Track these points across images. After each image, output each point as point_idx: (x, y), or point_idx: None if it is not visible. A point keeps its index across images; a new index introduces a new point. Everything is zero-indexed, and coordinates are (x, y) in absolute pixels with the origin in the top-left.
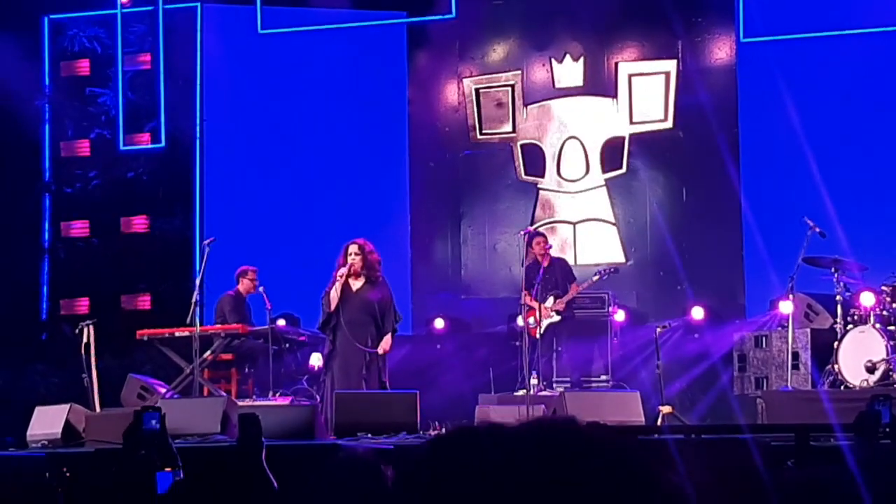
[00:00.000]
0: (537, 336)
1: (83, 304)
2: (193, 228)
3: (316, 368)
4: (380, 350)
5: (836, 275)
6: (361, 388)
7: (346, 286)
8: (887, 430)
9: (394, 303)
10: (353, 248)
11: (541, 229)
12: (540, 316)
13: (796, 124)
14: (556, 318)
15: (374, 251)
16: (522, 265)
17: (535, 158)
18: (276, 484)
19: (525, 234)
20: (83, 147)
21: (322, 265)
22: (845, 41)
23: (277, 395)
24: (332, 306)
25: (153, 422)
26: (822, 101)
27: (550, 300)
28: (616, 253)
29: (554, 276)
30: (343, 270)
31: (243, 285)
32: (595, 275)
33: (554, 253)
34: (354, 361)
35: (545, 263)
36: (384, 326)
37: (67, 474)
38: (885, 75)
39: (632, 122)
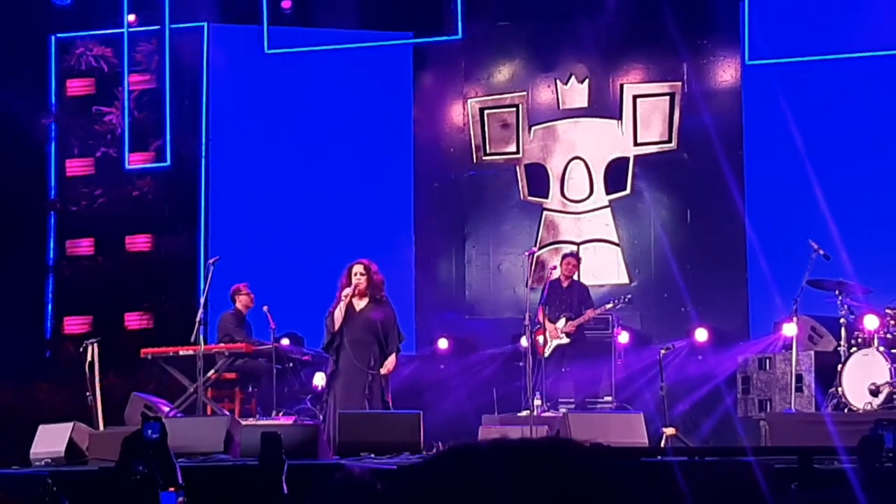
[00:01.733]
0: (545, 355)
1: (87, 323)
2: (198, 247)
3: (319, 388)
4: (384, 370)
5: (840, 297)
6: (364, 408)
7: (349, 306)
8: (890, 454)
9: (397, 323)
10: (357, 269)
11: (569, 251)
12: (548, 336)
13: (801, 147)
14: (566, 339)
15: (378, 271)
16: (527, 285)
17: (539, 179)
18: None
19: (530, 255)
20: (88, 165)
21: (326, 285)
22: (851, 64)
23: (280, 414)
24: (337, 326)
25: (151, 432)
26: (827, 123)
27: (562, 321)
28: (620, 274)
29: (571, 298)
30: (348, 291)
31: (240, 302)
32: (609, 302)
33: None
34: (357, 381)
35: (565, 284)
36: (388, 346)
37: (54, 488)
38: (891, 99)
39: (636, 144)
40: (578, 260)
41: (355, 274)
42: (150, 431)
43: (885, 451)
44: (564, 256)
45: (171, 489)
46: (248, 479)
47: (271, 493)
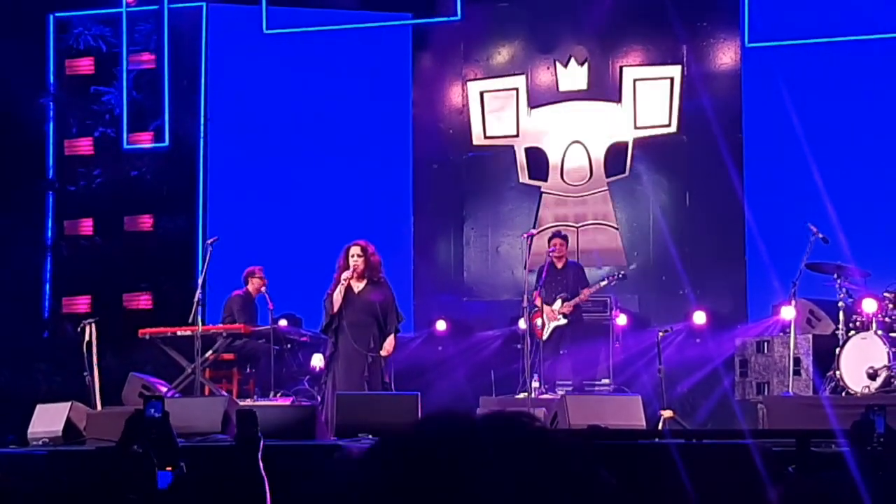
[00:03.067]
0: (543, 338)
1: (85, 303)
2: (196, 228)
3: (317, 369)
4: (383, 352)
5: (838, 281)
6: (363, 390)
7: (348, 288)
8: (882, 439)
9: (396, 304)
10: (355, 250)
11: (554, 231)
12: (547, 318)
13: (800, 130)
14: (563, 321)
15: (376, 253)
16: (525, 268)
17: (538, 162)
18: (266, 481)
19: (528, 238)
20: (87, 145)
21: (324, 266)
22: (851, 47)
23: (278, 395)
24: (335, 308)
25: (154, 411)
26: (826, 106)
27: (558, 303)
28: (619, 257)
29: (566, 279)
30: (347, 274)
31: (252, 285)
32: (603, 280)
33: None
34: (357, 363)
35: (559, 265)
36: (387, 328)
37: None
38: (890, 82)
39: (636, 127)
40: (564, 238)
41: (352, 255)
42: (152, 410)
43: (876, 436)
44: (550, 239)
45: (168, 468)
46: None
47: (248, 470)
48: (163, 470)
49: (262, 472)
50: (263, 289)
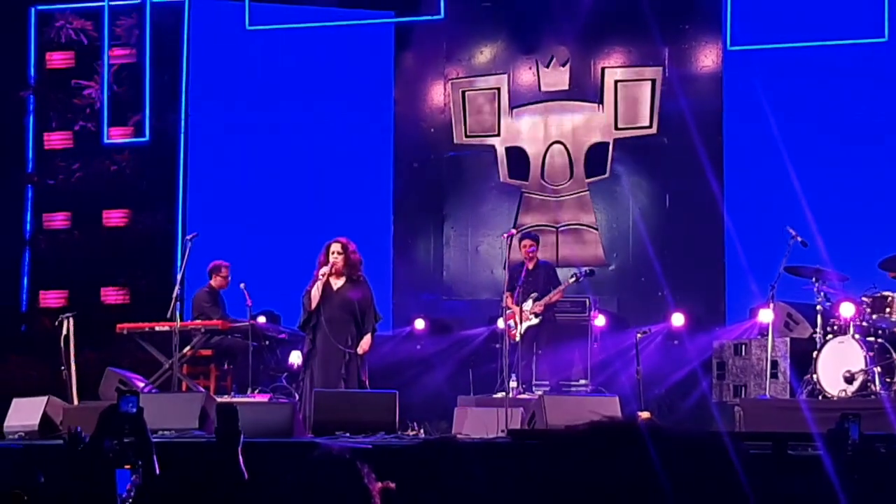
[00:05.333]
0: (516, 339)
1: (63, 297)
2: (176, 223)
3: (295, 366)
4: (359, 350)
5: (816, 285)
6: (340, 387)
7: (327, 285)
8: (856, 446)
9: (374, 302)
10: (335, 247)
11: (525, 232)
12: (520, 319)
13: (780, 134)
14: (535, 320)
15: (356, 251)
16: (504, 267)
17: (519, 161)
18: (245, 475)
19: (508, 237)
20: (67, 139)
21: (304, 263)
22: (832, 52)
23: (256, 392)
24: (314, 305)
25: (129, 405)
26: (806, 111)
27: (529, 303)
28: (598, 258)
29: (537, 279)
30: (325, 269)
31: (216, 281)
32: (571, 277)
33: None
34: (334, 360)
35: (530, 266)
36: (364, 326)
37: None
38: (871, 86)
39: (616, 128)
40: (535, 239)
41: (333, 252)
42: (128, 405)
43: (850, 443)
44: (521, 240)
45: (127, 466)
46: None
47: (228, 467)
48: (121, 469)
49: (243, 467)
50: (226, 285)
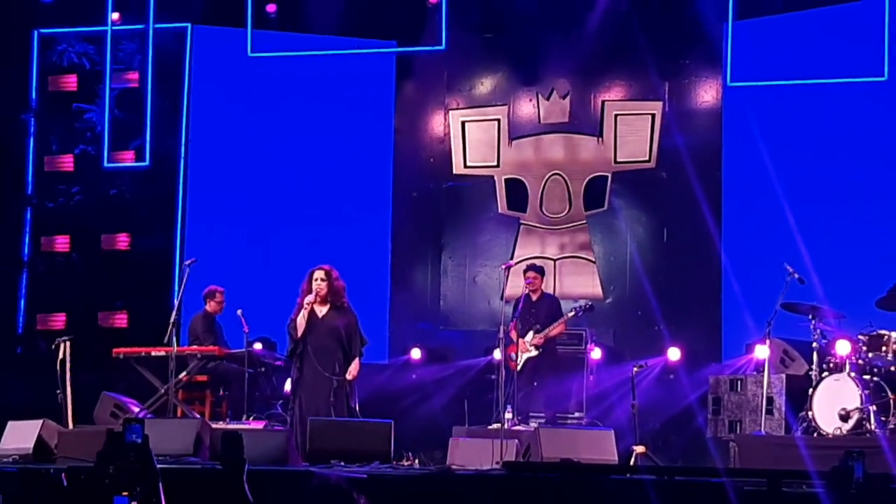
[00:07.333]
0: (517, 370)
1: (60, 320)
2: (174, 248)
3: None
4: (348, 376)
5: (813, 322)
6: (330, 415)
7: (312, 313)
8: (860, 485)
9: (360, 327)
10: (318, 274)
11: (529, 264)
12: (519, 350)
13: (779, 170)
14: (534, 352)
15: (339, 277)
16: (502, 298)
17: (518, 193)
18: (252, 502)
19: (506, 268)
20: (67, 162)
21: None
22: (832, 90)
23: (251, 418)
24: (299, 333)
25: (134, 435)
26: (805, 148)
27: (530, 335)
28: (595, 290)
29: (540, 311)
30: (310, 298)
31: (210, 306)
32: (570, 311)
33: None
34: (322, 388)
35: (534, 298)
36: (351, 352)
37: None
38: (870, 125)
39: (616, 162)
40: (539, 271)
41: (316, 280)
42: (133, 435)
43: (854, 482)
44: (525, 272)
45: (125, 493)
46: (217, 482)
47: (234, 493)
48: (119, 496)
49: (249, 494)
50: (221, 311)
